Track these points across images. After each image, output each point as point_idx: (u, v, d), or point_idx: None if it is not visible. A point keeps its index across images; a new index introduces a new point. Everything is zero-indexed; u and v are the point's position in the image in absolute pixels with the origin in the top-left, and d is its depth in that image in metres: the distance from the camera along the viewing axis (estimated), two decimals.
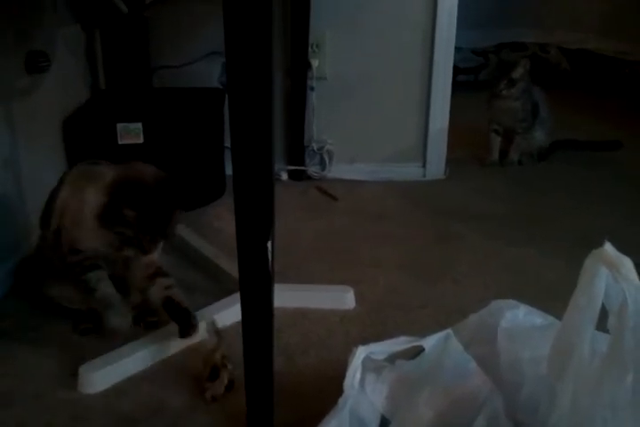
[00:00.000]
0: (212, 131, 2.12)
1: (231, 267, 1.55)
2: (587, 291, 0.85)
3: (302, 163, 2.36)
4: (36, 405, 1.24)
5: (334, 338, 1.43)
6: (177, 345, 1.36)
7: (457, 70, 2.32)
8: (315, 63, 2.25)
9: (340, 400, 0.97)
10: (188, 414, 1.21)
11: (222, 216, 2.01)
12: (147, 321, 1.42)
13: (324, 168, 2.37)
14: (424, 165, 2.35)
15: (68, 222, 1.36)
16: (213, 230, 1.89)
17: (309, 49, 2.23)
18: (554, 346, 0.91)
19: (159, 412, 1.22)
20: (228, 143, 2.14)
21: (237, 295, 1.00)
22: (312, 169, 2.37)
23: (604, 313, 0.86)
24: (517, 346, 1.05)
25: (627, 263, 0.83)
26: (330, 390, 1.01)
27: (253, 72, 0.87)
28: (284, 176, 2.36)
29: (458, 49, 2.28)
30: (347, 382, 0.99)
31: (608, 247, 0.84)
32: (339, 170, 2.36)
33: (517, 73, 2.34)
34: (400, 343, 1.07)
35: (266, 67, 0.87)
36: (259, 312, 0.99)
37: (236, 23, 0.85)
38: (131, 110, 2.02)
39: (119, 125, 1.93)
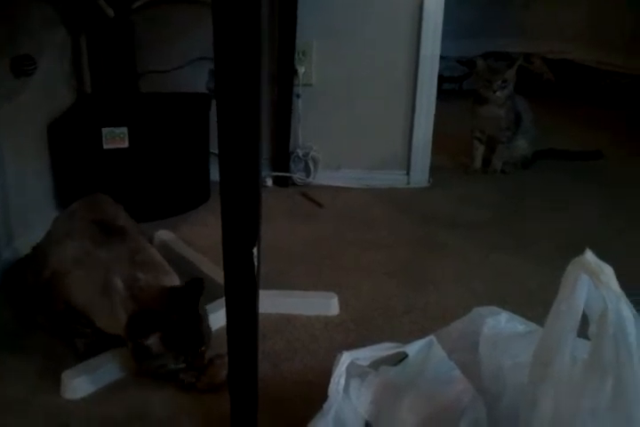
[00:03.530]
0: (197, 136, 2.12)
1: (215, 272, 1.55)
2: (568, 298, 0.86)
3: (287, 169, 2.36)
4: (17, 410, 1.23)
5: (318, 344, 1.43)
6: None
7: (441, 79, 2.34)
8: (301, 70, 2.26)
9: (325, 406, 0.97)
10: (171, 419, 1.21)
11: (207, 222, 2.01)
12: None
13: (308, 175, 2.38)
14: (408, 173, 2.36)
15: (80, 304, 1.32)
16: (198, 236, 1.89)
17: (296, 56, 2.24)
18: (535, 353, 0.92)
19: (142, 418, 1.21)
20: (213, 149, 2.15)
21: (222, 301, 1.00)
22: (297, 175, 2.38)
23: (584, 320, 0.87)
24: (499, 353, 1.05)
25: (607, 271, 0.84)
26: (314, 395, 1.02)
27: (241, 78, 0.87)
28: (269, 182, 2.36)
29: (443, 58, 2.30)
30: (331, 388, 0.99)
31: (589, 255, 0.85)
32: (324, 177, 2.37)
33: (510, 74, 2.35)
34: (384, 349, 1.08)
35: (254, 73, 0.88)
36: (244, 318, 1.00)
37: (224, 29, 0.85)
38: (116, 115, 2.02)
39: (104, 130, 1.93)
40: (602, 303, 0.82)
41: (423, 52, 2.22)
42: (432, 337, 1.09)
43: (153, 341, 1.20)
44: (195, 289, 1.25)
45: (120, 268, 1.29)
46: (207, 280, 1.60)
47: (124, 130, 1.94)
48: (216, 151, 0.92)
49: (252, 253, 0.94)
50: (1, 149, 1.67)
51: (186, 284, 1.28)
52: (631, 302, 0.83)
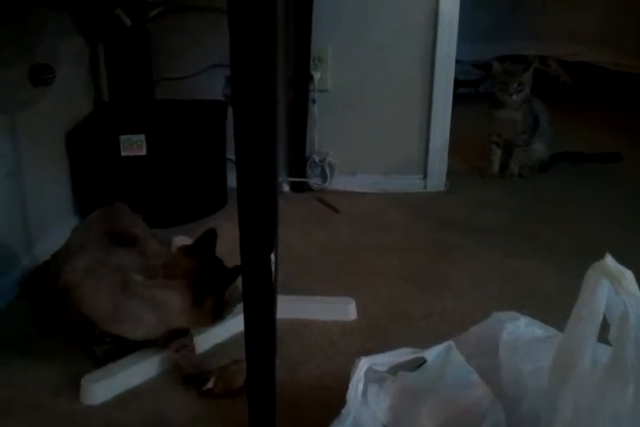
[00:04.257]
0: (214, 143, 2.14)
1: None
2: (588, 303, 0.85)
3: (304, 175, 2.37)
4: (35, 415, 1.24)
5: (336, 349, 1.43)
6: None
7: (457, 83, 2.34)
8: (316, 76, 2.27)
9: (343, 411, 0.97)
10: (189, 425, 1.21)
11: (224, 228, 2.01)
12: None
13: (325, 180, 2.38)
14: (425, 177, 2.36)
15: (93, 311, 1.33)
16: None
17: (311, 62, 2.25)
18: (555, 358, 0.92)
19: (159, 424, 1.22)
20: (229, 155, 2.16)
21: (240, 306, 1.00)
22: (313, 181, 2.38)
23: (605, 325, 0.86)
24: (518, 358, 1.05)
25: (628, 276, 0.83)
26: (332, 401, 1.02)
27: (258, 84, 0.88)
28: (286, 188, 2.36)
29: (458, 62, 2.29)
30: (349, 393, 0.99)
31: (609, 260, 0.84)
32: (340, 182, 2.37)
33: (526, 77, 2.35)
34: (402, 355, 1.07)
35: (270, 79, 0.88)
36: (262, 323, 1.00)
37: (240, 36, 0.86)
38: (133, 122, 2.04)
39: (122, 137, 1.94)
40: (622, 308, 0.82)
41: (439, 55, 2.22)
42: (450, 342, 1.09)
43: (236, 286, 1.28)
44: (212, 238, 1.42)
45: (133, 266, 1.32)
46: None
47: (142, 137, 1.95)
48: (232, 157, 0.93)
49: (270, 259, 0.95)
50: (20, 156, 1.69)
51: (202, 234, 1.42)
52: None
